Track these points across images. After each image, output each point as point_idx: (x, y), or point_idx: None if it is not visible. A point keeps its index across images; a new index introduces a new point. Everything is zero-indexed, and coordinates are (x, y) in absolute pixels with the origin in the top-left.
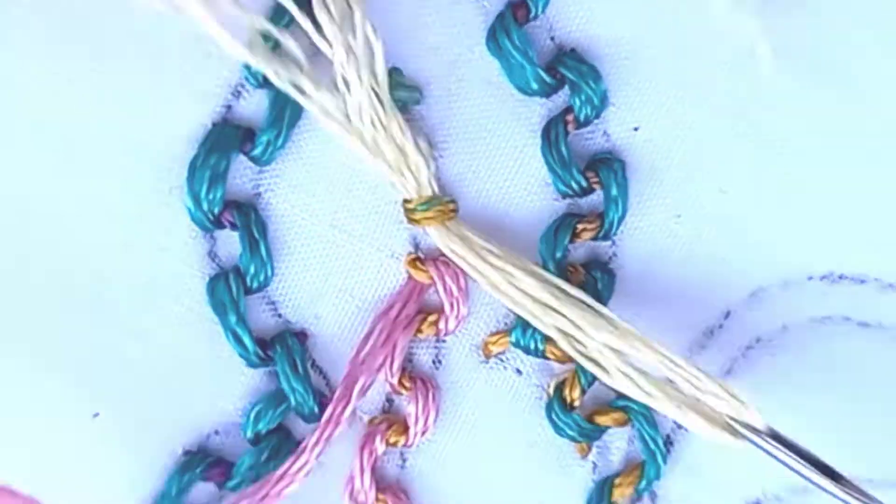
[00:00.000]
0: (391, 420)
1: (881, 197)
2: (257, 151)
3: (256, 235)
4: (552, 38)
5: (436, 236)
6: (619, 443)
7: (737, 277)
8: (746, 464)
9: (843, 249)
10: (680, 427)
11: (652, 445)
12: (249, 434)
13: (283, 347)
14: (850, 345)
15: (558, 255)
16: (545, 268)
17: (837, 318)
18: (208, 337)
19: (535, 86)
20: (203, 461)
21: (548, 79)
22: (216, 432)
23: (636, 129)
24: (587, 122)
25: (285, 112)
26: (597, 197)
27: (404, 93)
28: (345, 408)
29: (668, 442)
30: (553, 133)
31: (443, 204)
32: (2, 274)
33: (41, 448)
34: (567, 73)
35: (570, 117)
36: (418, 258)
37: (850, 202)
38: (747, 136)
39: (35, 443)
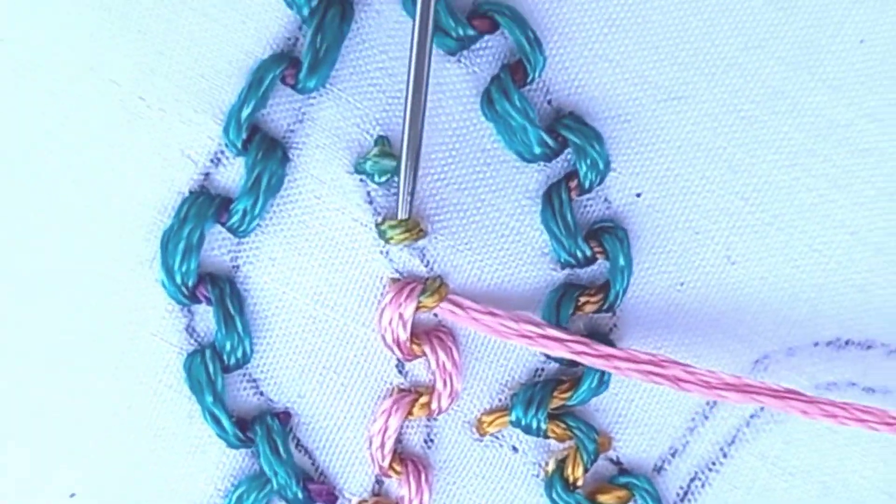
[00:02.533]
0: (381, 503)
1: (889, 264)
2: (234, 221)
3: (232, 311)
4: (549, 102)
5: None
6: None
7: (741, 345)
8: None
9: (849, 316)
10: (683, 500)
11: None
12: None
13: (262, 429)
14: None
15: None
16: None
17: (843, 383)
18: (188, 415)
19: (537, 149)
20: None
21: (551, 141)
22: None
23: (638, 195)
24: (591, 188)
25: (262, 179)
26: (596, 266)
27: (389, 161)
28: None
29: None
30: (556, 200)
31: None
32: None
33: None
34: (570, 135)
35: (573, 183)
36: (412, 333)
37: (857, 269)
38: (754, 200)
39: None
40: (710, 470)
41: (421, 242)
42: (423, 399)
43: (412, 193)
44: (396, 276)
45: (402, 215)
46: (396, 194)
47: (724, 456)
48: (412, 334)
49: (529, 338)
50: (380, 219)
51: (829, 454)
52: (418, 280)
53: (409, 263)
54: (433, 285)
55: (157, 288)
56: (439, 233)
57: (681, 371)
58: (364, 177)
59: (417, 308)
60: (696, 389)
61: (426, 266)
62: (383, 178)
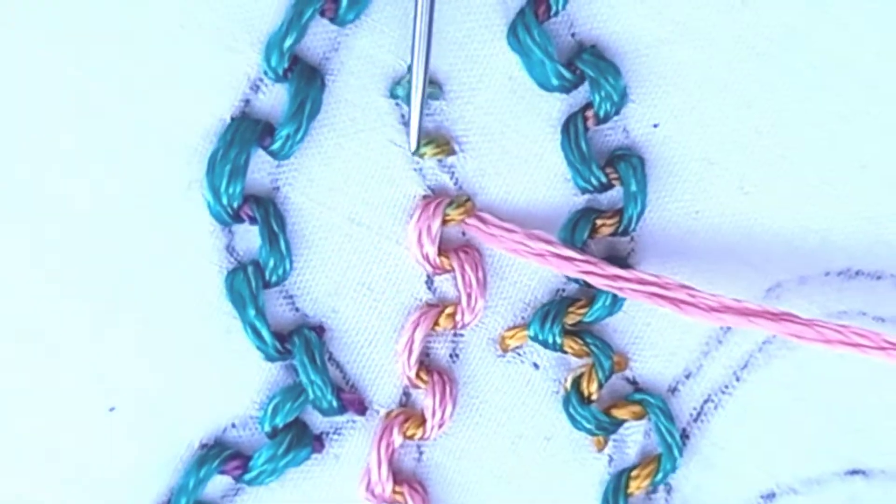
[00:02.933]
0: (408, 413)
1: None
2: (276, 146)
3: (276, 229)
4: (573, 35)
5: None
6: (635, 436)
7: (754, 273)
8: (761, 456)
9: (860, 246)
10: (696, 420)
11: (668, 438)
12: (267, 428)
13: (301, 341)
14: None
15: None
16: None
17: (853, 313)
18: (226, 330)
19: (555, 82)
20: (220, 455)
21: (568, 75)
22: (233, 426)
23: (656, 125)
24: (607, 119)
25: (305, 106)
26: (616, 193)
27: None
28: None
29: (684, 435)
30: (573, 129)
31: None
32: (19, 265)
33: (57, 442)
34: (586, 69)
35: (589, 113)
36: (440, 250)
37: (868, 199)
38: (768, 133)
39: (51, 437)
40: (723, 393)
41: (451, 160)
42: (449, 310)
43: (421, 113)
44: (428, 193)
45: (413, 138)
46: (429, 115)
47: (737, 380)
48: (441, 250)
49: (541, 256)
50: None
51: (840, 381)
52: (446, 196)
53: (441, 180)
54: (460, 199)
55: (200, 209)
56: (469, 153)
57: (685, 294)
58: (398, 100)
59: (445, 221)
60: (697, 313)
61: (455, 185)
62: None
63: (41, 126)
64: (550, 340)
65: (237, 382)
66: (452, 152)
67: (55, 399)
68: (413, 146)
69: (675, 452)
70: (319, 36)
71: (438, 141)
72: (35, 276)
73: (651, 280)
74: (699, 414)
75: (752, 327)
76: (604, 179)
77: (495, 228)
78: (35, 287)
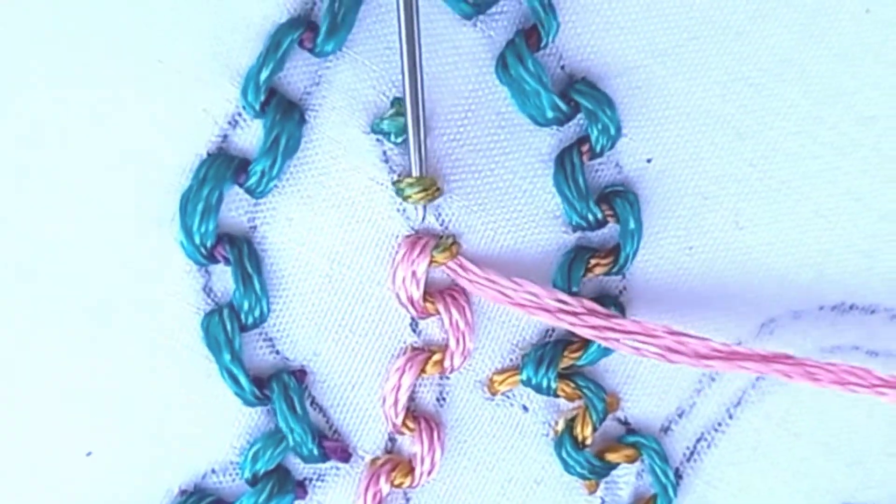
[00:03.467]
0: (395, 461)
1: (892, 229)
2: (252, 182)
3: (250, 270)
4: (562, 67)
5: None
6: (627, 477)
7: (747, 309)
8: (756, 493)
9: (855, 280)
10: (689, 459)
11: (663, 479)
12: (248, 474)
13: (279, 386)
14: None
15: (573, 290)
16: None
17: (847, 347)
18: (205, 374)
19: (550, 114)
20: (200, 502)
21: (563, 106)
22: (213, 471)
23: (649, 160)
24: (602, 153)
25: (280, 141)
26: (606, 230)
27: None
28: None
29: (678, 475)
30: (568, 163)
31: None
32: None
33: (34, 486)
34: (582, 100)
35: (585, 147)
36: (425, 292)
37: (863, 232)
38: (762, 166)
39: (27, 481)
40: (716, 431)
41: (437, 201)
42: (436, 357)
43: (423, 150)
44: (412, 233)
45: (415, 172)
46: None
47: (731, 417)
48: (426, 292)
49: (524, 306)
50: (396, 177)
51: (833, 416)
52: (431, 236)
53: (425, 222)
54: (445, 242)
55: (176, 248)
56: (454, 193)
57: (672, 341)
58: (380, 136)
59: (430, 264)
60: (684, 360)
61: (441, 224)
62: (400, 139)
63: (15, 160)
64: (545, 385)
65: (217, 427)
66: (440, 193)
67: (32, 443)
68: (418, 171)
69: (670, 493)
70: (300, 70)
71: (425, 184)
72: (10, 319)
73: (636, 329)
74: (692, 453)
75: (742, 371)
76: (600, 216)
77: (475, 276)
78: (10, 330)
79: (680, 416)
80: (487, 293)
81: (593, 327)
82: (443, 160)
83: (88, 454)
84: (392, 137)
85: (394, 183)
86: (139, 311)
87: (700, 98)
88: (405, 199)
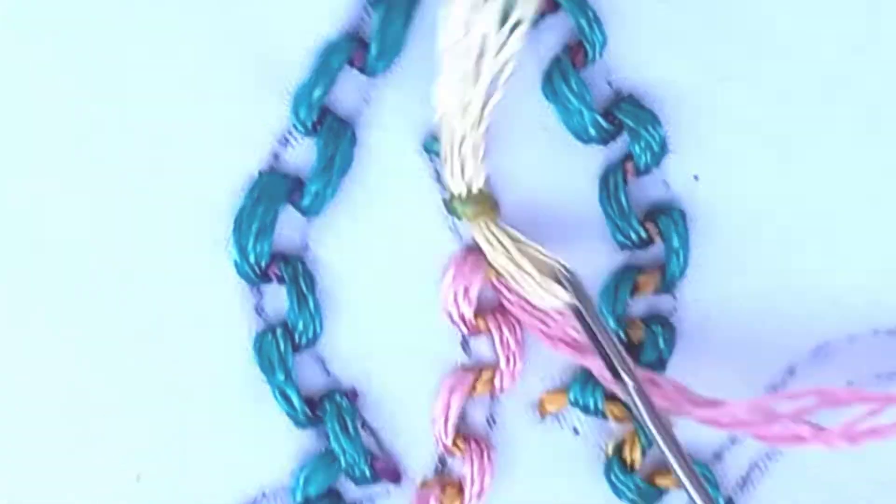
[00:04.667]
0: (444, 482)
1: None
2: (305, 202)
3: (305, 290)
4: (609, 83)
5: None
6: (677, 503)
7: (801, 332)
8: None
9: None
10: (742, 487)
11: None
12: (299, 498)
13: (332, 406)
14: None
15: (619, 310)
16: None
17: None
18: (255, 395)
19: (592, 132)
20: None
21: (605, 125)
22: (264, 495)
23: (696, 177)
24: (647, 171)
25: (335, 161)
26: (656, 248)
27: None
28: None
29: (729, 502)
30: (612, 182)
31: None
32: (45, 330)
33: None
34: (625, 118)
35: (629, 165)
36: (476, 310)
37: None
38: (814, 186)
39: None
40: (769, 458)
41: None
42: (486, 376)
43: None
44: (463, 251)
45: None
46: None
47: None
48: (476, 311)
49: (552, 339)
50: (448, 195)
51: (891, 441)
52: (482, 255)
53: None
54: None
55: (228, 268)
56: (505, 211)
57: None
58: (432, 155)
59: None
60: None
61: None
62: None
63: (66, 181)
64: (592, 405)
65: (268, 450)
66: (497, 210)
67: (82, 467)
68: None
69: None
70: (350, 88)
71: (478, 199)
72: (61, 342)
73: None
74: (745, 480)
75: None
76: (643, 234)
77: (515, 296)
78: (61, 353)
79: (733, 442)
80: (522, 316)
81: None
82: (491, 177)
83: (138, 478)
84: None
85: (446, 201)
86: (190, 332)
87: (749, 114)
88: (459, 217)
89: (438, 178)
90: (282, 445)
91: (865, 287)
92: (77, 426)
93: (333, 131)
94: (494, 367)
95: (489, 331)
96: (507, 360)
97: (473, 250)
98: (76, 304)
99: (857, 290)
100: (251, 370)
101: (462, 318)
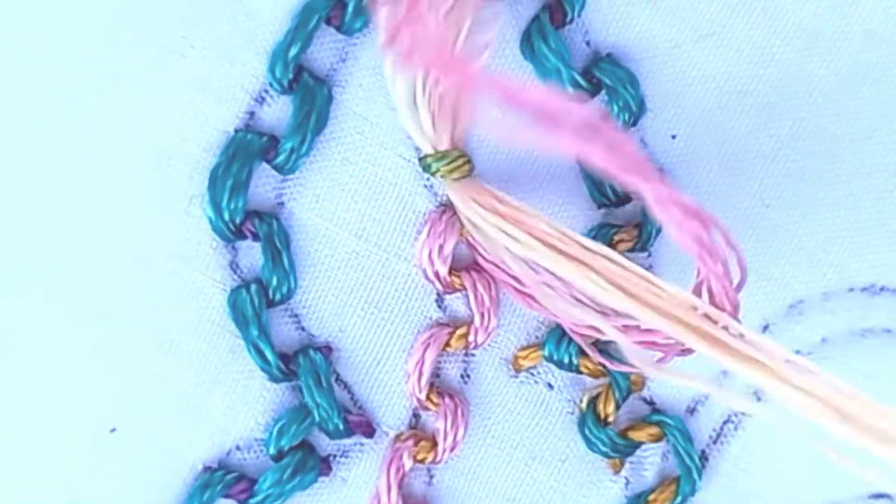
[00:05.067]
0: (418, 436)
1: None
2: (280, 159)
3: (279, 246)
4: (587, 43)
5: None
6: (652, 458)
7: (776, 290)
8: (783, 479)
9: (886, 261)
10: (716, 442)
11: (688, 461)
12: (272, 450)
13: (306, 361)
14: (891, 357)
15: None
16: None
17: (878, 330)
18: (230, 350)
19: (571, 91)
20: (224, 478)
21: (584, 83)
22: (238, 448)
23: (674, 136)
24: (625, 129)
25: (310, 118)
26: (633, 207)
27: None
28: None
29: (704, 457)
30: None
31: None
32: (19, 283)
33: (56, 464)
34: (603, 77)
35: None
36: (451, 268)
37: (892, 213)
38: (789, 143)
39: (51, 458)
40: (743, 413)
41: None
42: (461, 332)
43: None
44: (439, 209)
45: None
46: None
47: (758, 399)
48: (452, 269)
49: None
50: (422, 152)
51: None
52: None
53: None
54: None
55: (202, 225)
56: (480, 168)
57: None
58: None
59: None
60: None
61: None
62: None
63: (38, 140)
64: (566, 360)
65: (242, 403)
66: (471, 167)
67: (55, 419)
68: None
69: (695, 475)
70: (327, 46)
71: (451, 157)
72: (33, 295)
73: None
74: (719, 435)
75: None
76: (620, 192)
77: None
78: (33, 306)
79: (706, 397)
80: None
81: None
82: (468, 136)
83: (112, 430)
84: None
85: (420, 159)
86: (165, 287)
87: (726, 73)
88: (432, 174)
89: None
90: (256, 399)
91: (840, 245)
92: (51, 379)
93: (309, 89)
94: (469, 323)
95: (464, 288)
96: (482, 316)
97: (449, 208)
98: (50, 259)
99: (831, 248)
100: (226, 325)
101: (437, 275)
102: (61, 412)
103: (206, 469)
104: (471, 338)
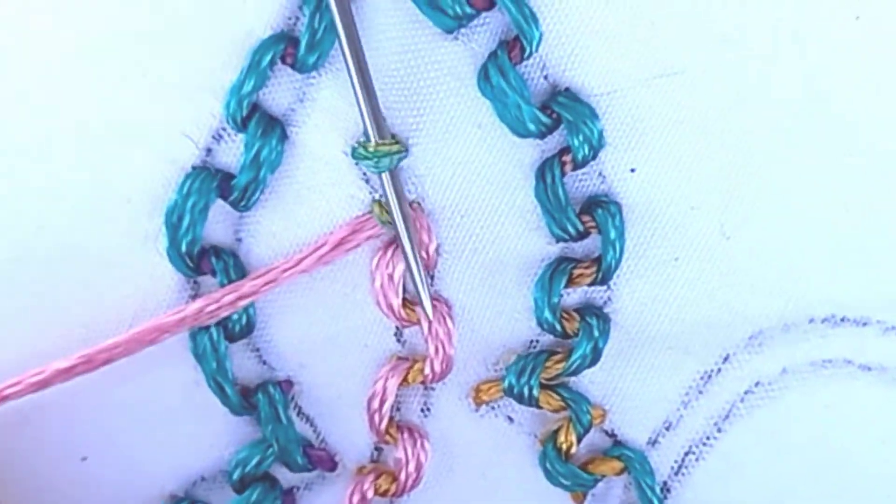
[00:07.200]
0: (380, 469)
1: (884, 240)
2: (235, 196)
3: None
4: (545, 77)
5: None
6: (615, 490)
7: (736, 320)
8: None
9: (845, 292)
10: (677, 473)
11: (649, 493)
12: (234, 482)
13: (265, 397)
14: (851, 388)
15: (554, 300)
16: (539, 314)
17: (839, 361)
18: (195, 382)
19: (531, 126)
20: None
21: (544, 119)
22: (202, 478)
23: (633, 170)
24: (584, 163)
25: (261, 156)
26: (591, 241)
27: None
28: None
29: (666, 489)
30: (549, 175)
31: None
32: None
33: (28, 491)
34: (563, 112)
35: (566, 158)
36: (405, 299)
37: (853, 245)
38: (748, 175)
39: (23, 486)
40: (704, 444)
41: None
42: (419, 365)
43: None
44: (389, 239)
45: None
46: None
47: (719, 431)
48: (406, 300)
49: None
50: (354, 144)
51: (822, 431)
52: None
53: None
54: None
55: (164, 262)
56: (436, 206)
57: None
58: (358, 161)
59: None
60: None
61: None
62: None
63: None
64: (526, 394)
65: (206, 435)
66: (403, 153)
67: (28, 447)
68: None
69: None
70: (285, 86)
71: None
72: (7, 330)
73: None
74: (680, 467)
75: None
76: (581, 227)
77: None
78: (6, 340)
79: (667, 428)
80: None
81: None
82: (424, 175)
83: (83, 459)
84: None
85: (353, 149)
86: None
87: (685, 107)
88: (367, 165)
89: (367, 178)
90: (220, 431)
91: (800, 276)
92: (25, 409)
93: (262, 127)
94: (427, 356)
95: (418, 321)
96: (437, 348)
97: (392, 240)
98: (16, 294)
99: (791, 279)
100: (190, 359)
101: (390, 307)
102: (34, 440)
103: (173, 498)
104: (426, 370)
